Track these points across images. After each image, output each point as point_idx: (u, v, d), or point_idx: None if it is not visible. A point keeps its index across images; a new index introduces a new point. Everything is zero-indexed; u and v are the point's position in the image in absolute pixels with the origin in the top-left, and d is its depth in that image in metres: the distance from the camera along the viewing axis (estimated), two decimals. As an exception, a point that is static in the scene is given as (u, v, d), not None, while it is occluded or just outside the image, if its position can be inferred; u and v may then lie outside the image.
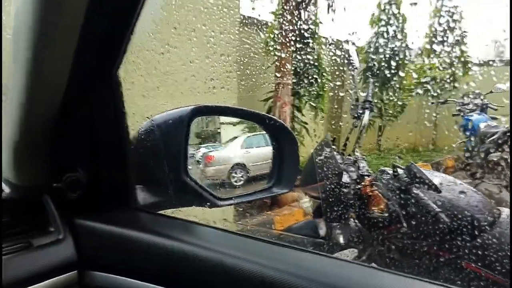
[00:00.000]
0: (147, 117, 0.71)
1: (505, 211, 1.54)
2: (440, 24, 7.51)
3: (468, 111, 5.32)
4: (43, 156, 0.68)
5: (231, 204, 0.83)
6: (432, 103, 7.09)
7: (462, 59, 7.46)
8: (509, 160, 4.36)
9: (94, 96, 0.64)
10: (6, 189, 0.69)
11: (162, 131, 0.72)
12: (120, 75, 0.63)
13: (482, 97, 5.34)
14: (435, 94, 7.14)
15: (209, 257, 0.57)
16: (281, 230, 2.86)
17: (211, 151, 1.25)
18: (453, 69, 7.27)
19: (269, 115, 0.92)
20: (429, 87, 7.13)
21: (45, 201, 0.69)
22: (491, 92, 5.33)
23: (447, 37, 7.53)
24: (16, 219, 0.67)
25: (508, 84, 5.14)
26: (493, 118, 5.12)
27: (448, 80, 7.20)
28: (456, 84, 7.25)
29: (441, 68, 7.12)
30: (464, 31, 7.60)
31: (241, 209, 3.43)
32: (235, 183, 1.25)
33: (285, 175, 0.83)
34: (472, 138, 5.04)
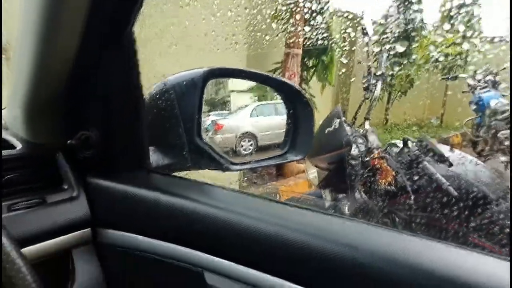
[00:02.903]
0: (163, 76, 0.69)
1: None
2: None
3: (479, 87, 5.21)
4: (56, 114, 0.67)
5: (244, 169, 0.83)
6: (443, 78, 6.95)
7: (477, 34, 7.25)
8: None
9: (108, 55, 0.63)
10: (19, 145, 0.69)
11: (176, 92, 0.70)
12: (134, 32, 0.60)
13: (494, 74, 5.21)
14: (446, 70, 7.00)
15: (225, 217, 0.57)
16: (286, 200, 2.89)
17: (220, 119, 1.23)
18: (466, 46, 7.08)
19: (285, 80, 0.90)
20: (440, 62, 6.98)
21: (59, 158, 0.69)
22: (504, 69, 5.20)
23: (463, 12, 7.29)
24: (30, 176, 0.67)
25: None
26: (504, 96, 5.02)
27: (460, 57, 7.04)
28: (468, 59, 7.08)
29: (455, 43, 6.94)
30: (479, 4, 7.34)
31: (246, 178, 3.46)
32: (244, 152, 1.24)
33: (300, 142, 0.82)
34: (482, 115, 4.98)
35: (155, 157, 0.73)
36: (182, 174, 0.74)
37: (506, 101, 4.86)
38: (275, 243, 0.52)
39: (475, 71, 5.47)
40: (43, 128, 0.69)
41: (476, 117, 5.15)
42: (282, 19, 4.58)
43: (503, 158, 4.62)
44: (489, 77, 5.20)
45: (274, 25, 4.57)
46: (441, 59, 6.94)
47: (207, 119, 1.02)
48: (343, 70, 6.02)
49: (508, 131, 4.41)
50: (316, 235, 0.51)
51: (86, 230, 0.65)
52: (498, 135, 4.47)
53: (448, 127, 7.36)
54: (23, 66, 0.61)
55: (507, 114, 4.48)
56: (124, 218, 0.66)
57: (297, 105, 0.83)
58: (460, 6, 7.23)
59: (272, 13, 4.82)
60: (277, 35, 4.72)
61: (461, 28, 7.11)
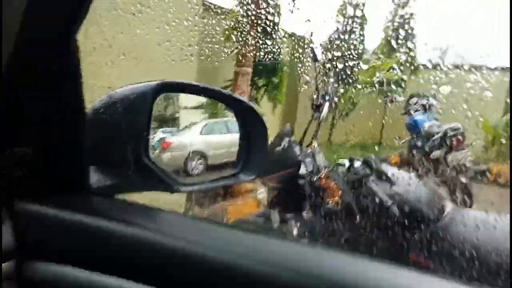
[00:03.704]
0: (109, 88, 0.64)
1: (449, 206, 1.63)
2: (395, 28, 7.87)
3: (414, 110, 5.59)
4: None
5: (193, 190, 0.78)
6: (383, 101, 7.39)
7: (413, 62, 7.86)
8: (446, 162, 4.65)
9: (47, 63, 0.56)
10: None
11: (123, 106, 0.65)
12: (79, 39, 0.55)
13: (427, 98, 5.63)
14: (386, 93, 7.46)
15: (172, 245, 0.52)
16: (235, 221, 2.84)
17: (168, 136, 1.17)
18: (402, 71, 7.63)
19: (239, 96, 0.88)
20: (380, 86, 7.43)
21: None
22: (436, 93, 5.64)
23: (401, 40, 7.90)
24: None
25: (447, 88, 5.48)
26: (436, 119, 5.43)
27: (398, 81, 7.55)
28: (404, 85, 7.62)
29: (393, 68, 7.45)
30: (412, 34, 8.00)
31: (193, 198, 3.35)
32: (192, 171, 1.19)
33: (253, 161, 0.79)
34: (417, 137, 5.32)
35: (96, 178, 0.66)
36: (126, 196, 0.68)
37: (438, 123, 5.25)
38: (226, 272, 0.48)
39: (411, 95, 5.88)
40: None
41: (411, 138, 5.50)
42: (234, 38, 4.64)
43: (436, 177, 4.97)
44: (423, 101, 5.61)
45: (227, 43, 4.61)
46: (380, 82, 7.40)
47: (154, 137, 0.97)
48: (292, 90, 6.18)
49: (439, 151, 4.74)
50: (265, 262, 0.48)
51: (8, 263, 0.57)
52: (430, 156, 4.78)
53: (386, 147, 7.79)
54: None
55: (439, 135, 4.82)
56: (58, 247, 0.58)
57: (251, 123, 0.81)
58: (397, 37, 7.83)
59: (225, 28, 4.87)
60: (230, 52, 4.76)
61: (400, 53, 7.67)
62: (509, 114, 7.14)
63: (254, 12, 4.52)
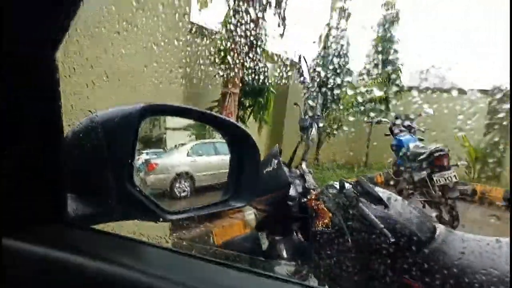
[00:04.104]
0: (90, 111, 0.59)
1: (440, 227, 1.61)
2: (379, 52, 8.07)
3: (399, 131, 5.66)
4: None
5: (181, 218, 0.73)
6: (367, 122, 7.48)
7: (397, 83, 8.03)
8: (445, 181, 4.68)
9: (23, 81, 0.52)
10: None
11: (106, 130, 0.60)
12: (58, 58, 0.51)
13: (411, 120, 5.72)
14: (371, 114, 7.56)
15: (149, 283, 0.47)
16: (222, 244, 2.76)
17: (154, 158, 1.12)
18: (387, 92, 7.78)
19: (230, 119, 0.84)
20: (364, 107, 7.54)
21: None
22: (420, 115, 5.73)
23: (385, 63, 8.09)
24: None
25: (430, 110, 5.58)
26: (421, 140, 5.50)
27: (383, 103, 7.68)
28: (390, 106, 7.75)
29: (377, 90, 7.59)
30: (398, 59, 8.21)
31: (178, 220, 3.25)
32: (178, 194, 1.15)
33: (244, 186, 0.75)
34: (402, 157, 5.37)
35: (74, 207, 0.61)
36: (107, 227, 0.63)
37: (422, 144, 5.32)
38: None
39: (395, 117, 5.96)
40: None
41: (397, 159, 5.54)
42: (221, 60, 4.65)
43: (421, 198, 4.99)
44: (407, 122, 5.69)
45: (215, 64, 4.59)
46: (365, 103, 7.51)
47: (139, 158, 0.92)
48: (279, 110, 6.21)
49: (425, 171, 4.78)
50: None
51: None
52: (416, 176, 4.81)
53: (373, 167, 7.84)
54: None
55: (424, 156, 4.86)
56: (32, 286, 0.52)
57: (242, 147, 0.77)
58: (383, 61, 8.03)
59: (213, 50, 4.88)
60: (218, 73, 4.75)
61: (383, 75, 7.84)
62: (490, 135, 7.32)
63: (241, 34, 4.57)
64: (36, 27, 0.50)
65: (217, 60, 4.89)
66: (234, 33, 4.56)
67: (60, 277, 0.51)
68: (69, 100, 0.55)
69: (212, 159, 1.53)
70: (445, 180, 4.56)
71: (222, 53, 4.78)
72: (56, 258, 0.51)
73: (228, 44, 4.65)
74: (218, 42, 5.04)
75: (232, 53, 4.36)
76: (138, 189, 0.63)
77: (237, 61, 4.43)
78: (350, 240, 1.60)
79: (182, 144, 1.52)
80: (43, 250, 0.52)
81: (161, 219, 0.65)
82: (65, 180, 0.59)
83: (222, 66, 4.68)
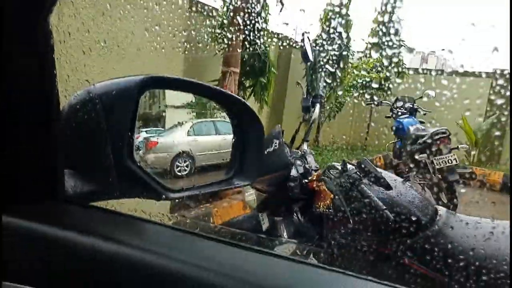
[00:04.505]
0: (87, 81, 0.56)
1: (442, 210, 1.60)
2: (382, 29, 7.94)
3: (400, 113, 5.62)
4: None
5: (184, 196, 0.71)
6: (367, 104, 7.44)
7: (399, 65, 7.94)
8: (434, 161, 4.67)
9: (12, 49, 0.48)
10: None
11: (104, 103, 0.57)
12: (51, 21, 0.47)
13: (413, 102, 5.68)
14: (372, 95, 7.51)
15: (150, 262, 0.45)
16: (222, 224, 2.76)
17: (154, 136, 1.10)
18: (389, 73, 7.70)
19: (231, 94, 0.81)
20: (365, 89, 7.48)
21: None
22: (421, 97, 5.69)
23: (387, 43, 7.97)
24: None
25: (432, 92, 5.54)
26: (422, 122, 5.47)
27: (385, 83, 7.61)
28: (391, 86, 7.68)
29: (379, 70, 7.51)
30: (402, 40, 8.09)
31: (178, 200, 3.26)
32: (179, 173, 1.12)
33: (248, 165, 0.72)
34: (402, 139, 5.35)
35: (72, 183, 0.58)
36: (107, 204, 0.60)
37: (423, 126, 5.29)
38: None
39: (396, 98, 5.92)
40: None
41: (397, 141, 5.53)
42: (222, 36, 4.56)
43: (421, 180, 5.00)
44: (408, 104, 5.65)
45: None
46: (366, 84, 7.44)
47: (139, 136, 0.89)
48: (279, 90, 6.14)
49: (425, 154, 4.76)
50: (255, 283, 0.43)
51: None
52: (416, 157, 4.80)
53: (372, 149, 7.84)
54: None
55: (425, 139, 4.84)
56: (27, 266, 0.50)
57: (245, 123, 0.74)
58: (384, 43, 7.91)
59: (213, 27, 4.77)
60: (218, 51, 4.66)
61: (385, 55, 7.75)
62: (490, 119, 7.30)
63: (242, 12, 4.46)
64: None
65: (216, 37, 4.80)
66: (235, 10, 4.47)
67: (59, 255, 0.49)
68: (65, 69, 0.51)
69: (213, 138, 1.50)
70: (446, 163, 4.55)
71: (222, 31, 4.69)
72: (55, 235, 0.49)
73: (228, 21, 4.56)
74: (219, 18, 4.94)
75: (232, 29, 4.27)
76: (138, 165, 0.60)
77: (237, 39, 4.35)
78: (351, 221, 1.59)
79: (182, 123, 1.49)
80: (41, 228, 0.50)
81: (163, 197, 0.62)
82: (63, 156, 0.56)
83: (223, 43, 4.59)
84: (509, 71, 7.43)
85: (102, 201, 0.59)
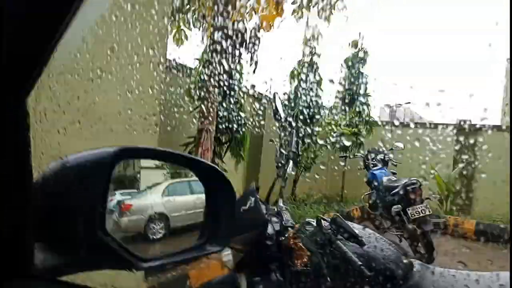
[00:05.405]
0: (60, 157, 0.57)
1: (417, 263, 1.62)
2: (348, 88, 8.39)
3: (372, 165, 5.77)
4: None
5: (156, 266, 0.70)
6: (341, 157, 7.61)
7: (367, 118, 8.29)
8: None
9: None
10: None
11: (76, 175, 0.58)
12: (28, 103, 0.49)
13: (384, 154, 5.86)
14: (344, 149, 7.72)
15: None
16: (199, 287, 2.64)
17: (128, 199, 1.09)
18: (359, 127, 8.01)
19: (205, 161, 0.84)
20: (338, 143, 7.71)
21: None
22: (391, 149, 5.90)
23: (354, 99, 8.38)
24: None
25: (401, 144, 5.77)
26: (393, 173, 5.62)
27: (356, 137, 7.88)
28: (362, 141, 7.94)
29: (348, 125, 7.81)
30: (369, 94, 8.53)
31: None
32: (153, 237, 1.10)
33: (220, 229, 0.73)
34: (376, 191, 5.45)
35: (42, 257, 0.57)
36: (76, 278, 0.59)
37: (395, 177, 5.42)
38: None
39: (368, 150, 6.11)
40: None
41: (371, 192, 5.61)
42: (196, 95, 4.69)
43: (396, 231, 5.03)
44: (380, 156, 5.83)
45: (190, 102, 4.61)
46: (338, 138, 7.67)
47: (112, 199, 0.89)
48: (255, 146, 6.24)
49: (399, 205, 4.83)
50: None
51: None
52: (391, 210, 4.86)
53: (349, 200, 7.90)
54: None
55: (397, 190, 4.95)
56: None
57: (216, 188, 0.76)
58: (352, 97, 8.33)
59: (186, 87, 4.91)
60: (192, 110, 4.78)
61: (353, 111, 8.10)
62: (457, 169, 7.59)
63: (216, 71, 4.65)
64: (9, 70, 0.49)
65: (195, 96, 4.93)
66: (209, 69, 4.65)
67: None
68: (39, 147, 0.53)
69: (188, 198, 1.50)
70: (419, 213, 4.62)
71: (197, 89, 4.83)
72: None
73: (203, 79, 4.71)
74: (194, 78, 5.10)
75: (206, 89, 4.41)
76: (110, 237, 0.60)
77: (212, 97, 4.49)
78: (329, 279, 1.58)
79: (157, 184, 1.49)
80: None
81: (135, 268, 0.62)
82: (33, 230, 0.56)
83: (197, 103, 4.71)
84: (471, 121, 7.91)
85: (73, 275, 0.58)
